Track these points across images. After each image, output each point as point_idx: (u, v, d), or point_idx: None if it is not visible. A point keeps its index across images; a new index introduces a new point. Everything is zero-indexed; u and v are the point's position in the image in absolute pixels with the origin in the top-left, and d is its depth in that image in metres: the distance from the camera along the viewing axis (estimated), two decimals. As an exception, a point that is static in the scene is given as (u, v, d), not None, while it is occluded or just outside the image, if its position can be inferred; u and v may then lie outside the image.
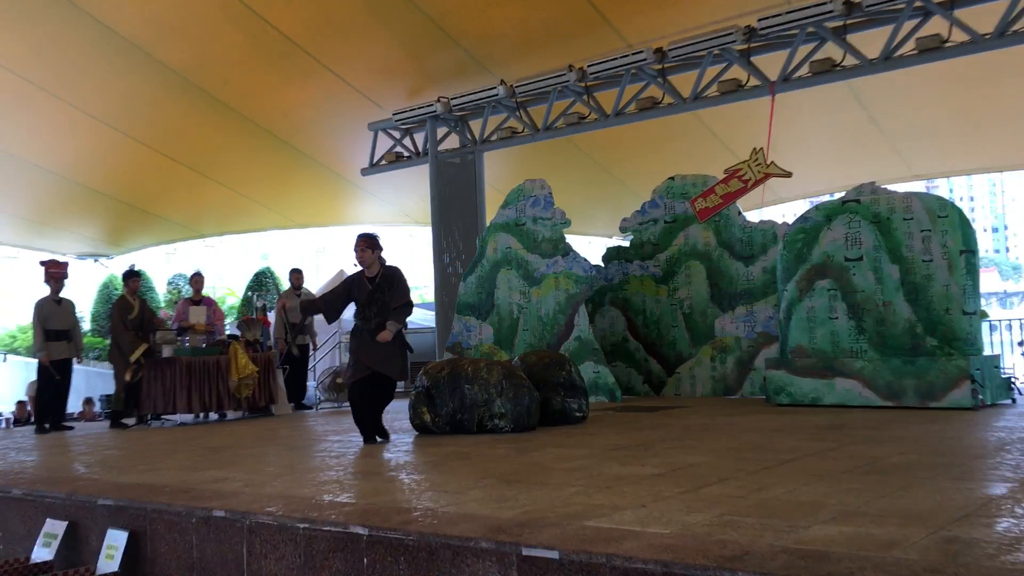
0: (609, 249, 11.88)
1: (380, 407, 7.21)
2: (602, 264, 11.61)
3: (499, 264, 11.43)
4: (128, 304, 10.28)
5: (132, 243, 19.33)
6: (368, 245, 7.12)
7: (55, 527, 5.10)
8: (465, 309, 11.67)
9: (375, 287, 7.05)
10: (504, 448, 6.34)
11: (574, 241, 11.22)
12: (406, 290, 7.20)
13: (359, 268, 7.23)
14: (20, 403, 15.22)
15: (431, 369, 7.79)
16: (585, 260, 10.89)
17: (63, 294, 10.25)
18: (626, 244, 11.57)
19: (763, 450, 5.65)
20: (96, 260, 19.63)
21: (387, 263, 7.25)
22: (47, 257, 11.13)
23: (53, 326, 9.95)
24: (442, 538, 3.54)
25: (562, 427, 7.69)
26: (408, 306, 7.14)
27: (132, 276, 10.67)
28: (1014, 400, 8.54)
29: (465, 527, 3.62)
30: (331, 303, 7.35)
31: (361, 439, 7.17)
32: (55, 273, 10.23)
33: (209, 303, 11.44)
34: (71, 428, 10.33)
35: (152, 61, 11.75)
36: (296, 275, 12.16)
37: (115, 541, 4.72)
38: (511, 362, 8.32)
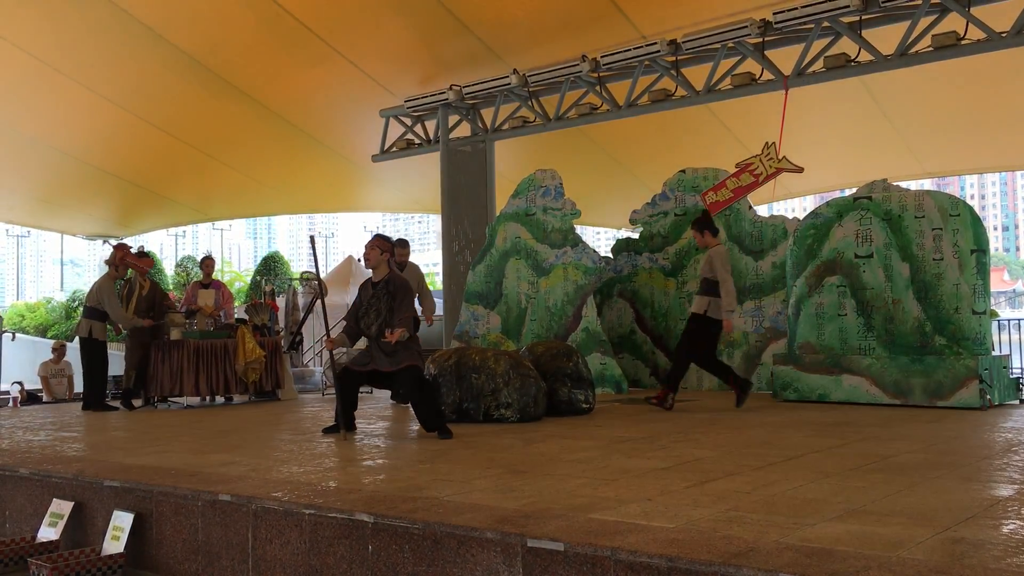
0: (619, 241, 11.86)
1: (424, 402, 6.65)
2: (611, 255, 11.59)
3: (508, 254, 11.42)
4: (138, 284, 10.34)
5: (142, 225, 19.36)
6: (378, 246, 6.80)
7: (61, 507, 5.13)
8: (473, 298, 11.67)
9: (374, 293, 6.74)
10: (510, 438, 6.35)
11: (584, 232, 11.22)
12: (410, 307, 6.83)
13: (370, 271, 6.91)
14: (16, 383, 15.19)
15: (438, 358, 7.80)
16: (594, 251, 10.87)
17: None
18: (636, 236, 11.54)
19: (769, 446, 5.65)
20: (106, 241, 19.66)
21: (397, 271, 6.94)
22: (114, 241, 11.23)
23: (100, 307, 10.04)
24: (447, 527, 3.55)
25: (568, 418, 7.70)
26: (410, 322, 6.76)
27: (140, 257, 10.75)
28: (1022, 401, 8.51)
29: (470, 517, 3.63)
30: (357, 319, 6.88)
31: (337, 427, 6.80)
32: (134, 265, 10.30)
33: (218, 286, 11.47)
34: (116, 408, 10.23)
35: (165, 44, 11.74)
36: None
37: (121, 522, 4.74)
38: (518, 352, 8.32)
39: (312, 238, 7.34)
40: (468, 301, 11.71)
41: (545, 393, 7.64)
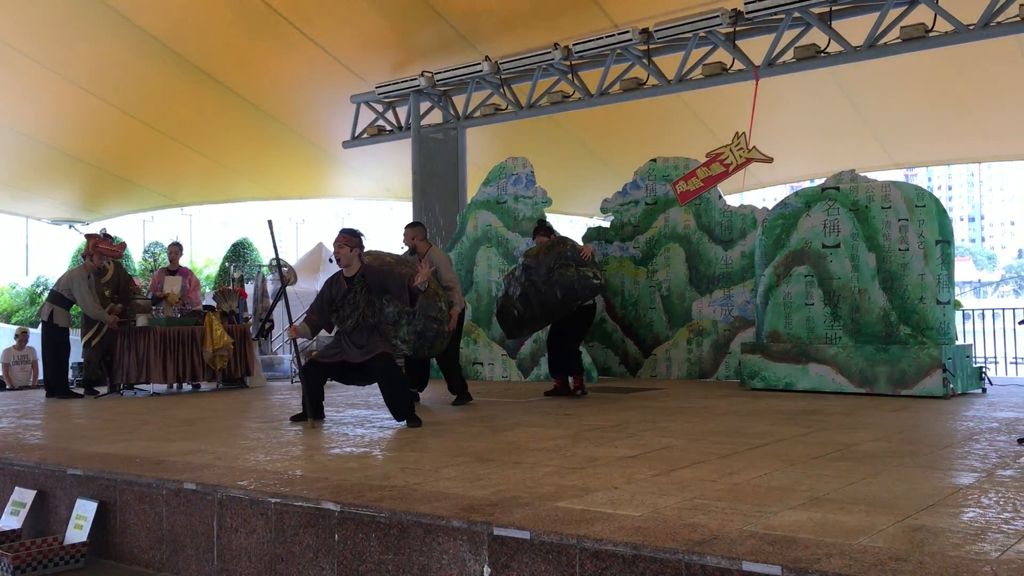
0: (589, 229, 11.88)
1: (395, 391, 6.59)
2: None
3: (479, 241, 11.41)
4: (102, 268, 10.22)
5: (108, 210, 19.11)
6: (347, 243, 6.64)
7: (23, 496, 5.07)
8: (443, 286, 11.64)
9: (351, 286, 6.64)
10: (479, 427, 6.35)
11: (555, 220, 11.21)
12: (401, 282, 6.65)
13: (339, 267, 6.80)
14: None
15: (374, 260, 7.51)
16: (565, 240, 10.87)
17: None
18: (607, 225, 11.57)
19: (736, 434, 5.69)
20: (71, 226, 19.39)
21: (368, 264, 6.85)
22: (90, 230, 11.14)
23: (67, 295, 9.92)
24: (414, 516, 3.54)
25: (537, 407, 7.73)
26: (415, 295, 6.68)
27: (104, 239, 10.64)
28: (984, 389, 8.63)
29: (437, 505, 3.62)
30: (323, 314, 6.78)
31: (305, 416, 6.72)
32: (106, 251, 10.17)
33: (185, 273, 11.35)
34: (80, 395, 10.12)
35: (132, 27, 11.57)
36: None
37: (84, 511, 4.69)
38: (520, 261, 8.52)
39: (270, 222, 7.22)
40: (438, 289, 11.67)
41: (444, 337, 7.61)
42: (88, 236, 10.43)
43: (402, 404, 6.59)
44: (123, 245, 10.75)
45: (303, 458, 5.11)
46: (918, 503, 3.54)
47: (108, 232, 10.94)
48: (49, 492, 5.02)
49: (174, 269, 11.23)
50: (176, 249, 11.51)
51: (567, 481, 4.13)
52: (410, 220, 13.22)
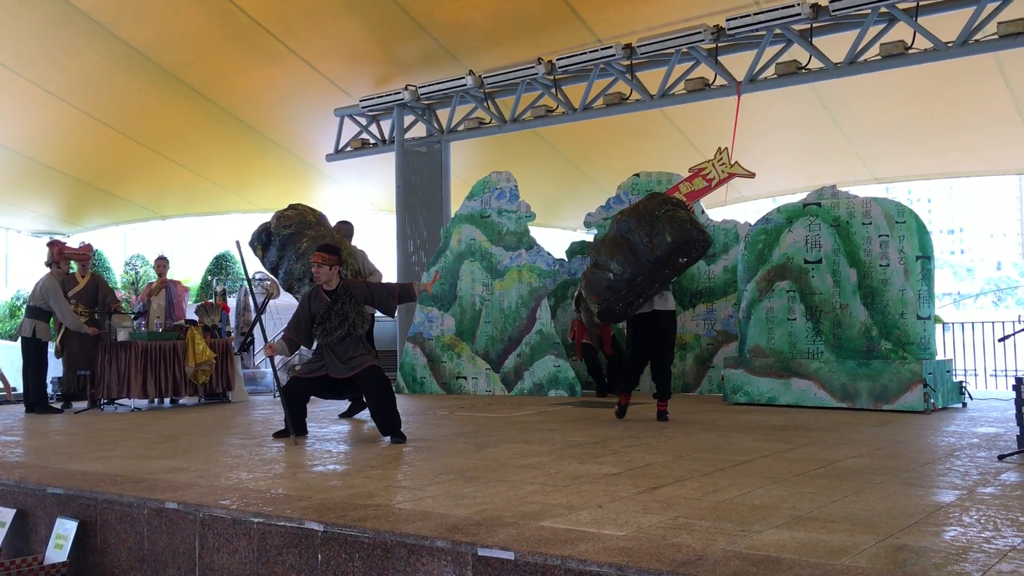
0: (573, 243, 11.91)
1: (383, 405, 6.56)
2: (565, 258, 11.63)
3: (463, 256, 11.41)
4: (73, 279, 10.19)
5: (89, 222, 19.00)
6: (326, 261, 6.63)
7: (2, 515, 5.02)
8: (427, 300, 11.63)
9: (335, 299, 6.64)
10: (463, 443, 6.34)
11: (538, 234, 11.24)
12: (388, 291, 7.05)
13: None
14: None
15: (284, 217, 7.88)
16: (549, 254, 10.90)
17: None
18: (590, 239, 11.60)
19: (719, 450, 5.70)
20: (52, 238, 19.26)
21: (347, 277, 6.92)
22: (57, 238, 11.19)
23: (44, 307, 9.88)
24: (398, 536, 3.53)
25: (519, 423, 7.72)
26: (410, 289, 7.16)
27: (67, 245, 10.72)
28: (965, 404, 8.70)
29: (421, 525, 3.61)
30: (302, 332, 6.75)
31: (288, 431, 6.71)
32: (73, 256, 10.17)
33: (173, 284, 11.35)
34: (60, 411, 10.02)
35: (114, 39, 11.53)
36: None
37: (64, 531, 4.65)
38: (613, 221, 7.91)
39: (238, 243, 7.23)
40: (422, 303, 11.67)
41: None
42: (50, 243, 10.41)
43: (389, 418, 6.56)
44: (89, 247, 10.71)
45: (286, 476, 5.08)
46: (900, 521, 3.56)
47: (87, 244, 10.91)
48: (29, 511, 4.97)
49: (163, 284, 11.19)
50: (163, 263, 11.46)
51: (551, 499, 4.12)
52: (393, 233, 13.29)
